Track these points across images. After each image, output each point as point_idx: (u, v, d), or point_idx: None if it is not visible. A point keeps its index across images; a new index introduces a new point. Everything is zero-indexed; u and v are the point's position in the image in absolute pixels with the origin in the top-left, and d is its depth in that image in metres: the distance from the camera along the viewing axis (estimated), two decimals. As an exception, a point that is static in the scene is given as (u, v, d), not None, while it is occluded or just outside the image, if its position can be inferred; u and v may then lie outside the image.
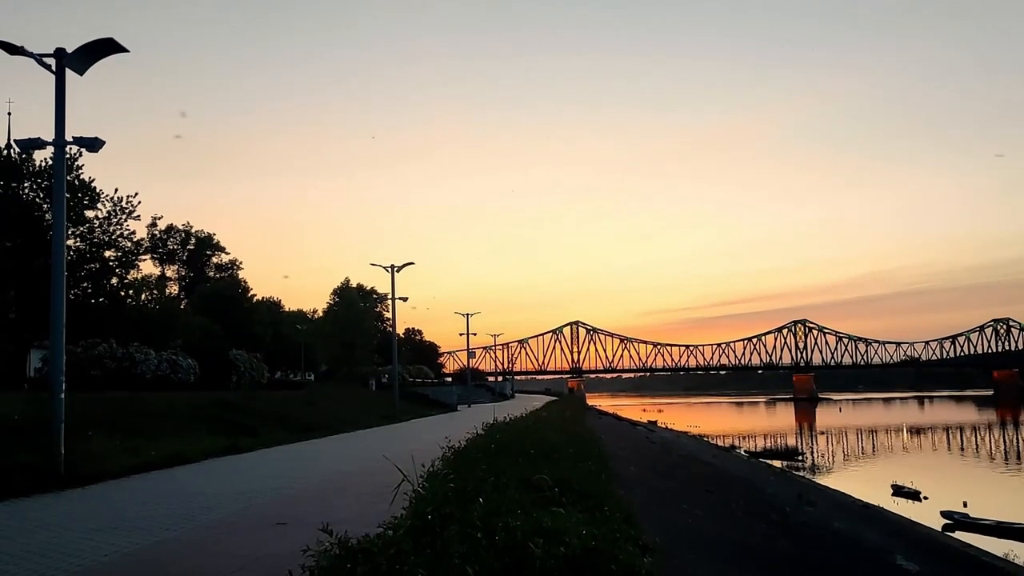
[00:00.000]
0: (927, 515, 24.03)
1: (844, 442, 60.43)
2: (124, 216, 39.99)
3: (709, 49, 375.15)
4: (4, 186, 36.72)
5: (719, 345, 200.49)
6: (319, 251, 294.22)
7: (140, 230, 60.28)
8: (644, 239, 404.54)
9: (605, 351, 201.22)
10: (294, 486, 13.59)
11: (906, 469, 35.91)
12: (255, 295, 73.38)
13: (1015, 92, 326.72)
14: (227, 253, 79.48)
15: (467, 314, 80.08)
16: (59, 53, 14.39)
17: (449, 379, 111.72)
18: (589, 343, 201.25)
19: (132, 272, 47.18)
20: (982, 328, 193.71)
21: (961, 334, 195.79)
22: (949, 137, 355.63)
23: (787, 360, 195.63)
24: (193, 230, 77.18)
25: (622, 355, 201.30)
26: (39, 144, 15.04)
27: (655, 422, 69.38)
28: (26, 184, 37.26)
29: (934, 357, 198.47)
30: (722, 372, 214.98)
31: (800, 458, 44.15)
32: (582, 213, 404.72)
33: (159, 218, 75.48)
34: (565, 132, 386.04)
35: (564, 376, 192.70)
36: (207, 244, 77.90)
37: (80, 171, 37.53)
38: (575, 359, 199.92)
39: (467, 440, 11.97)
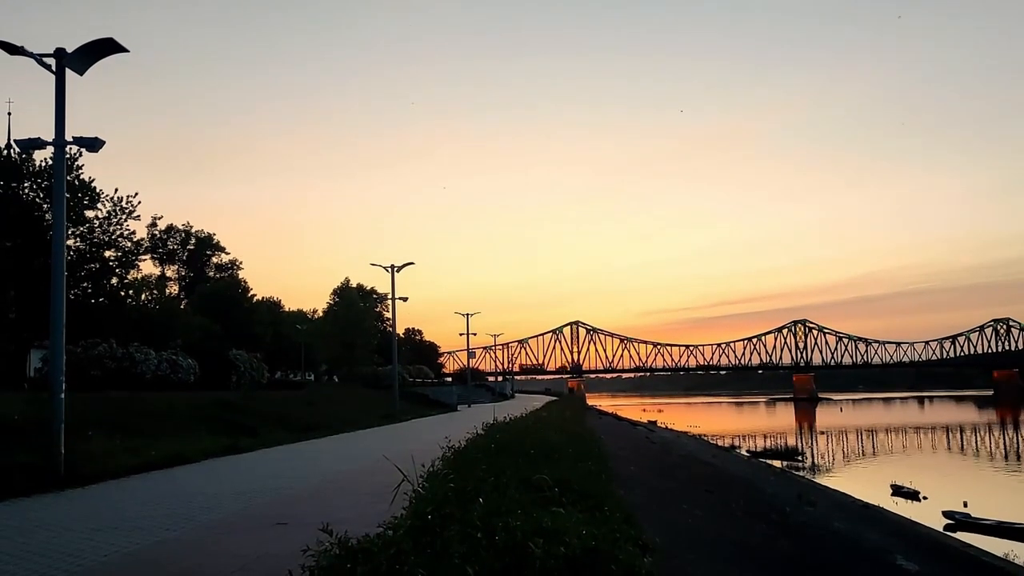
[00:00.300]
0: (927, 515, 24.02)
1: (844, 442, 60.43)
2: (124, 216, 39.97)
3: (709, 49, 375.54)
4: (4, 186, 36.71)
5: (719, 345, 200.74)
6: (319, 251, 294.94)
7: (140, 230, 60.45)
8: (644, 239, 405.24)
9: (605, 351, 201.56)
10: (294, 486, 13.59)
11: (906, 469, 35.91)
12: (255, 295, 73.39)
13: (1015, 92, 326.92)
14: (227, 253, 79.52)
15: (467, 314, 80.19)
16: (59, 53, 14.39)
17: (449, 379, 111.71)
18: (589, 343, 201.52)
19: (132, 272, 47.16)
20: (982, 328, 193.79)
21: (961, 334, 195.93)
22: (949, 137, 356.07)
23: (787, 360, 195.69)
24: (193, 230, 77.21)
25: (622, 355, 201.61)
26: (39, 144, 15.03)
27: (655, 422, 69.38)
28: (26, 184, 37.25)
29: (934, 357, 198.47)
30: (722, 372, 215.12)
31: (800, 458, 44.14)
32: (582, 213, 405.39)
33: (159, 218, 75.60)
34: (565, 132, 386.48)
35: (564, 376, 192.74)
36: (207, 244, 77.89)
37: (80, 171, 37.52)
38: (575, 359, 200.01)
39: (467, 440, 11.98)
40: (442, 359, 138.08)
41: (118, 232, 40.04)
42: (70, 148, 16.30)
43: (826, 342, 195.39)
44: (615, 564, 4.59)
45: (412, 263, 46.82)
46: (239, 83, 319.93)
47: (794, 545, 13.79)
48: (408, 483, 6.76)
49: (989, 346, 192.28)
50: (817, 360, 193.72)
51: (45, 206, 36.18)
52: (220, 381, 45.00)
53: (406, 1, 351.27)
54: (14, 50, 13.88)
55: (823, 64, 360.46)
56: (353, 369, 78.66)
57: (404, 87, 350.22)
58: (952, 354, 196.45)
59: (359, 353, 79.92)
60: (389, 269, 46.41)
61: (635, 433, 45.71)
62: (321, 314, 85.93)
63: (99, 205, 39.03)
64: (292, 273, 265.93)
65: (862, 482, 32.45)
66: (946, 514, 23.82)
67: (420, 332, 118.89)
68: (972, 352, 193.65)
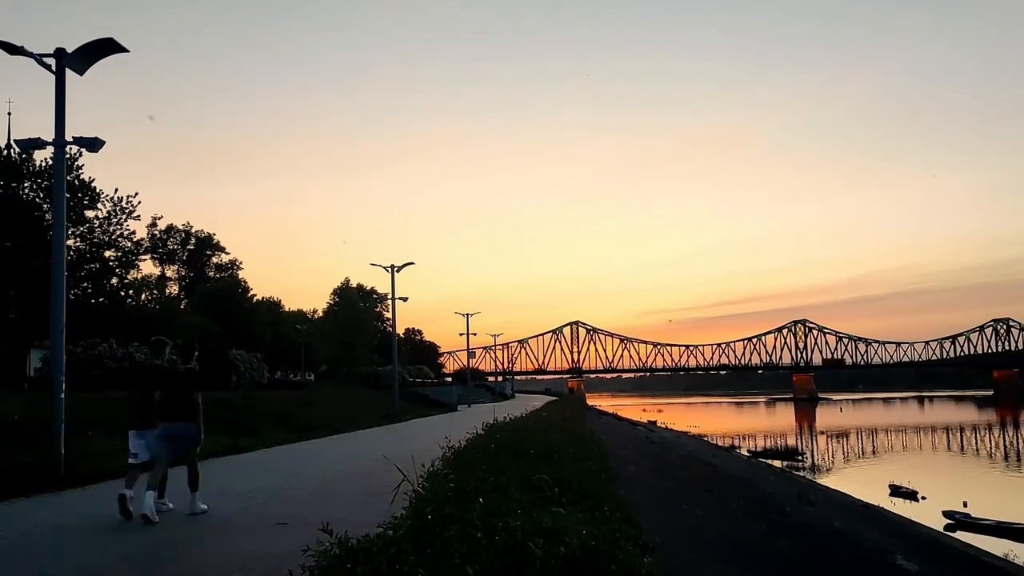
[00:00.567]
0: (926, 515, 24.02)
1: (844, 442, 60.42)
2: (124, 216, 40.04)
3: (709, 49, 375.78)
4: (4, 186, 36.73)
5: (719, 345, 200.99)
6: (319, 251, 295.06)
7: (140, 230, 60.50)
8: (644, 239, 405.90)
9: (605, 351, 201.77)
10: (294, 486, 13.58)
11: (906, 469, 35.91)
12: (255, 295, 73.47)
13: (1015, 92, 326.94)
14: (227, 253, 79.67)
15: (467, 314, 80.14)
16: (59, 53, 14.38)
17: (449, 379, 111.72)
18: (589, 343, 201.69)
19: (132, 272, 47.25)
20: (982, 328, 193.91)
21: (961, 334, 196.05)
22: (949, 137, 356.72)
23: (787, 360, 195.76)
24: (193, 230, 77.33)
25: (622, 355, 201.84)
26: (39, 144, 15.03)
27: (655, 422, 69.38)
28: (26, 184, 37.28)
29: (934, 357, 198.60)
30: (722, 372, 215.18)
31: (800, 458, 44.13)
32: (582, 213, 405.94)
33: (159, 218, 75.78)
34: (565, 132, 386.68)
35: (564, 376, 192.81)
36: (207, 244, 77.97)
37: (80, 171, 37.56)
38: (575, 359, 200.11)
39: (467, 440, 11.97)
40: (442, 359, 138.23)
41: (118, 232, 40.10)
42: (70, 148, 16.29)
43: (826, 342, 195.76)
44: (615, 564, 4.58)
45: (412, 263, 46.85)
46: (239, 83, 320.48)
47: (794, 545, 13.79)
48: (408, 483, 6.76)
49: (989, 346, 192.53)
50: (817, 360, 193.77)
51: (45, 206, 36.20)
52: (220, 381, 45.01)
53: (406, 1, 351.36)
54: (14, 50, 13.88)
55: (823, 64, 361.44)
56: (353, 369, 78.70)
57: (404, 87, 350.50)
58: (952, 354, 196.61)
59: (359, 353, 80.00)
60: (389, 269, 46.42)
61: (635, 433, 45.70)
62: (321, 314, 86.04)
63: (99, 205, 39.11)
64: (292, 273, 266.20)
65: (862, 482, 32.44)
66: (946, 514, 23.82)
67: (420, 332, 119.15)
68: (972, 352, 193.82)
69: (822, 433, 69.34)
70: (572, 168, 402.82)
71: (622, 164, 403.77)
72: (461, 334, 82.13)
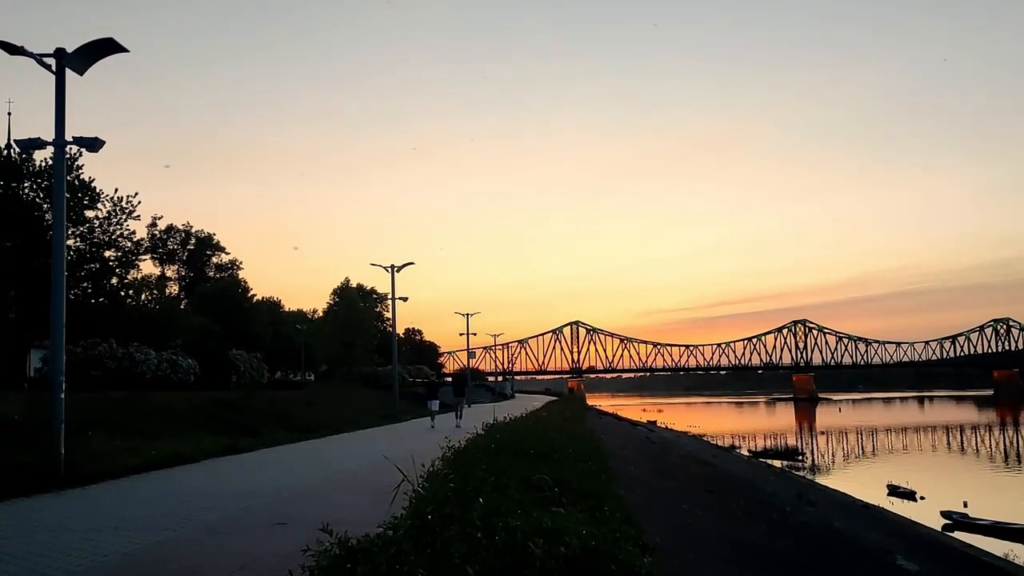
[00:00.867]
0: (925, 515, 24.01)
1: (844, 442, 60.42)
2: (124, 216, 40.00)
3: (709, 49, 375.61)
4: (4, 186, 36.72)
5: (719, 345, 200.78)
6: (319, 251, 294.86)
7: (140, 230, 60.36)
8: (644, 239, 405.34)
9: (605, 351, 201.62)
10: (294, 486, 13.58)
11: (906, 469, 35.92)
12: (255, 295, 73.34)
13: (1015, 92, 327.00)
14: (227, 253, 79.51)
15: (467, 314, 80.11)
16: (59, 53, 14.37)
17: (449, 379, 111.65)
18: (589, 343, 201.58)
19: (132, 272, 47.19)
20: (982, 328, 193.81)
21: (961, 334, 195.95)
22: (949, 137, 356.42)
23: (787, 360, 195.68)
24: (193, 230, 77.20)
25: (622, 355, 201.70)
26: (39, 144, 15.02)
27: (655, 422, 69.38)
28: (26, 184, 37.26)
29: (934, 357, 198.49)
30: (722, 372, 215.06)
31: (800, 458, 44.14)
32: (582, 213, 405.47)
33: (159, 218, 75.63)
34: (565, 132, 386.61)
35: (564, 376, 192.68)
36: (207, 244, 77.86)
37: (80, 171, 37.53)
38: (575, 359, 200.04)
39: (467, 440, 11.97)
40: (442, 359, 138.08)
41: (118, 232, 40.07)
42: (70, 148, 16.29)
43: (826, 342, 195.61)
44: (615, 564, 4.58)
45: (412, 263, 46.77)
46: (239, 83, 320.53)
47: (794, 545, 13.79)
48: (408, 483, 6.76)
49: (989, 346, 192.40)
50: (817, 360, 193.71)
51: (45, 206, 36.19)
52: (220, 381, 45.01)
53: (406, 1, 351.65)
54: (14, 50, 13.87)
55: (823, 64, 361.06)
56: (353, 369, 78.68)
57: (404, 87, 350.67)
58: (952, 354, 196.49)
59: (359, 353, 79.98)
60: (389, 269, 46.36)
61: (635, 433, 45.69)
62: (321, 314, 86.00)
63: (99, 205, 39.08)
64: (292, 273, 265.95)
65: (862, 482, 32.44)
66: (943, 514, 23.81)
67: (420, 332, 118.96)
68: (972, 352, 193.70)
69: (822, 433, 69.35)
70: (572, 168, 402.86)
71: (622, 164, 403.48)
72: (461, 334, 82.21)
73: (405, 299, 48.91)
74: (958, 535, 21.48)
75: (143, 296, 58.56)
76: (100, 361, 37.12)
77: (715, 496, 18.44)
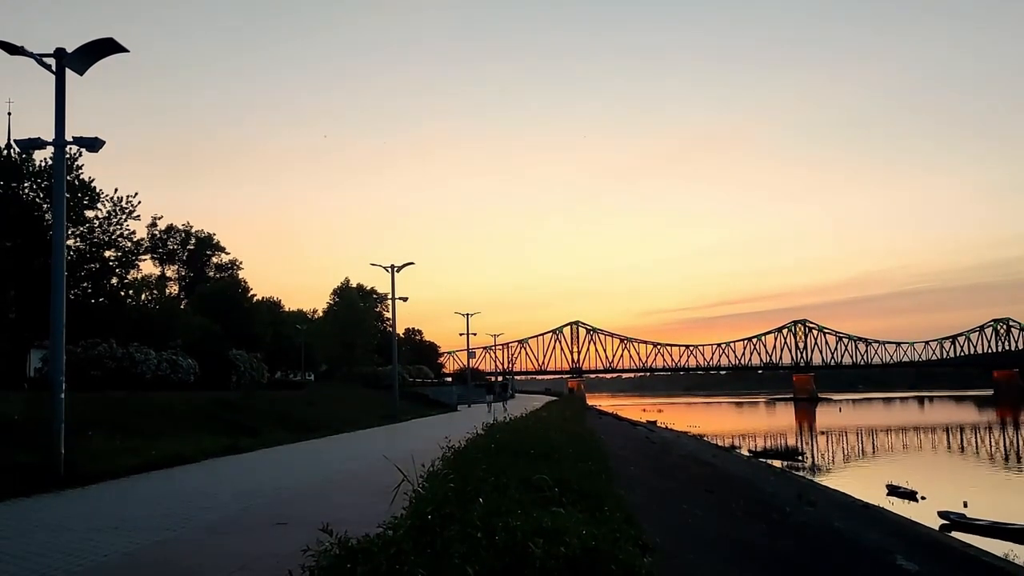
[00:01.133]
0: (925, 515, 24.00)
1: (844, 442, 60.42)
2: (124, 216, 39.95)
3: (709, 49, 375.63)
4: (4, 186, 36.69)
5: (719, 345, 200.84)
6: (319, 251, 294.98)
7: (140, 230, 60.33)
8: (644, 239, 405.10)
9: (605, 351, 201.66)
10: (294, 486, 13.59)
11: (905, 469, 35.92)
12: (255, 295, 73.25)
13: (1015, 92, 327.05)
14: (227, 253, 79.38)
15: (467, 314, 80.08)
16: (59, 53, 14.38)
17: (449, 379, 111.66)
18: (589, 343, 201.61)
19: (132, 272, 47.13)
20: (982, 328, 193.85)
21: (961, 334, 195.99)
22: (949, 137, 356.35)
23: (787, 360, 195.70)
24: (193, 230, 77.10)
25: (622, 355, 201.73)
26: (39, 144, 15.03)
27: (655, 422, 69.42)
28: (26, 184, 37.23)
29: (934, 357, 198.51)
30: (722, 372, 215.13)
31: (800, 458, 44.14)
32: (582, 213, 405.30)
33: (159, 218, 75.48)
34: (565, 132, 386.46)
35: (564, 376, 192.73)
36: (207, 244, 77.79)
37: (80, 171, 37.50)
38: (575, 359, 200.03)
39: (467, 440, 11.97)
40: (442, 359, 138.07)
41: (118, 232, 40.02)
42: (70, 148, 16.30)
43: (826, 342, 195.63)
44: (615, 564, 4.58)
45: (412, 263, 46.81)
46: (239, 83, 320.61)
47: (794, 545, 13.80)
48: (408, 483, 6.76)
49: (989, 346, 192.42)
50: (817, 360, 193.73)
51: (45, 206, 36.16)
52: (220, 381, 44.99)
53: (405, 2, 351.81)
54: (14, 50, 13.88)
55: (823, 64, 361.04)
56: (353, 369, 78.66)
57: (403, 88, 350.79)
58: (952, 354, 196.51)
59: (359, 353, 79.94)
60: (389, 269, 46.36)
61: (635, 433, 45.72)
62: (321, 314, 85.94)
63: (99, 205, 39.03)
64: (292, 273, 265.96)
65: (862, 482, 32.44)
66: (941, 514, 23.79)
67: (420, 332, 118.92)
68: (972, 352, 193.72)
69: (822, 433, 69.36)
70: (572, 168, 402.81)
71: (622, 164, 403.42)
72: (461, 334, 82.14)
73: (405, 299, 48.95)
74: (955, 535, 21.46)
75: (143, 296, 58.52)
76: (100, 361, 37.09)
77: (715, 496, 18.45)
